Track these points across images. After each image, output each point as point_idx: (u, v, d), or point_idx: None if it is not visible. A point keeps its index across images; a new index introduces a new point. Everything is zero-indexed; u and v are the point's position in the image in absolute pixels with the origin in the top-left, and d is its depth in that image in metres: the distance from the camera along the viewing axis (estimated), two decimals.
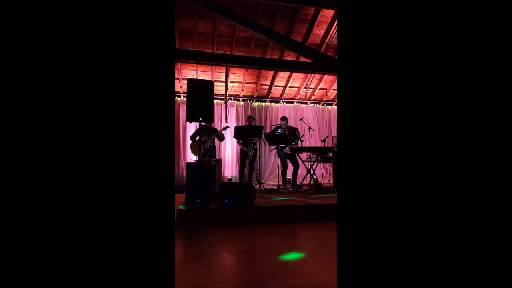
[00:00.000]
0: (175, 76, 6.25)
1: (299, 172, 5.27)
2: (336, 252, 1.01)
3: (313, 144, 5.82)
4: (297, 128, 5.34)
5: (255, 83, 6.89)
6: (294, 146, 5.01)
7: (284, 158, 5.17)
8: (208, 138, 4.77)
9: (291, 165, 5.23)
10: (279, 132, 4.86)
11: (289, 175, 5.40)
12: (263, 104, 7.28)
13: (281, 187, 5.11)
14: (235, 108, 7.07)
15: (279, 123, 5.34)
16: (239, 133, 4.84)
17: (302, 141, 5.25)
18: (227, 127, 4.89)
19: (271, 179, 6.73)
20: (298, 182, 5.19)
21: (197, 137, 4.15)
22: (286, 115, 6.04)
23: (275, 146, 5.09)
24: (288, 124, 5.43)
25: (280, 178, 5.21)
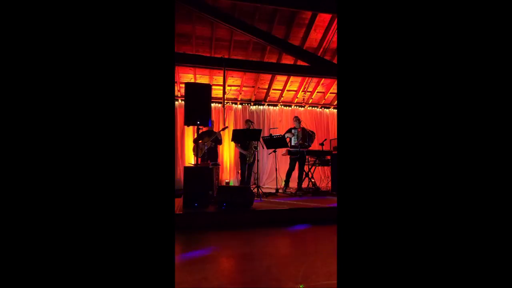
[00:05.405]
0: None
1: (296, 175, 5.23)
2: (336, 255, 1.00)
3: (311, 147, 5.81)
4: (314, 133, 5.32)
5: (253, 86, 6.90)
6: (293, 150, 5.00)
7: (293, 159, 5.08)
8: (208, 139, 4.81)
9: (290, 166, 5.17)
10: (286, 135, 4.84)
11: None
12: (261, 107, 7.29)
13: (280, 190, 5.09)
14: (233, 111, 7.07)
15: (277, 126, 5.33)
16: (237, 136, 4.84)
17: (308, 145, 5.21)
18: (226, 127, 4.90)
19: (269, 183, 6.71)
20: (296, 185, 5.17)
21: (200, 140, 4.18)
22: (284, 118, 6.01)
23: (273, 149, 5.07)
24: (292, 126, 5.38)
25: (279, 182, 5.18)
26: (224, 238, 2.63)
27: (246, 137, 4.94)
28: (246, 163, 5.13)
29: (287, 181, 5.14)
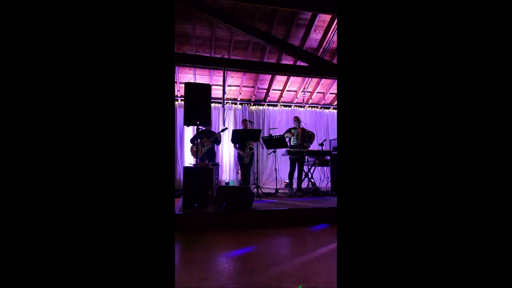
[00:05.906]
0: None
1: (296, 175, 5.23)
2: (336, 255, 1.00)
3: (310, 148, 5.82)
4: (314, 133, 5.33)
5: (252, 86, 6.91)
6: (292, 150, 5.00)
7: (293, 159, 5.07)
8: (207, 140, 4.80)
9: (290, 167, 5.16)
10: (286, 135, 4.82)
11: (286, 178, 5.36)
12: (261, 107, 7.29)
13: (280, 190, 5.08)
14: (232, 111, 7.07)
15: (277, 127, 5.33)
16: (237, 136, 4.83)
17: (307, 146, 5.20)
18: (226, 128, 4.89)
19: (269, 183, 6.71)
20: (296, 185, 5.18)
21: (198, 140, 4.16)
22: (284, 118, 6.01)
23: (273, 149, 5.07)
24: (291, 126, 5.38)
25: (279, 182, 5.17)
26: (224, 238, 2.63)
27: (245, 138, 4.94)
28: (243, 163, 5.13)
29: (290, 183, 5.13)
